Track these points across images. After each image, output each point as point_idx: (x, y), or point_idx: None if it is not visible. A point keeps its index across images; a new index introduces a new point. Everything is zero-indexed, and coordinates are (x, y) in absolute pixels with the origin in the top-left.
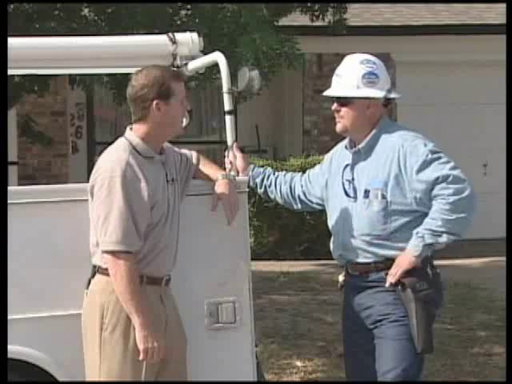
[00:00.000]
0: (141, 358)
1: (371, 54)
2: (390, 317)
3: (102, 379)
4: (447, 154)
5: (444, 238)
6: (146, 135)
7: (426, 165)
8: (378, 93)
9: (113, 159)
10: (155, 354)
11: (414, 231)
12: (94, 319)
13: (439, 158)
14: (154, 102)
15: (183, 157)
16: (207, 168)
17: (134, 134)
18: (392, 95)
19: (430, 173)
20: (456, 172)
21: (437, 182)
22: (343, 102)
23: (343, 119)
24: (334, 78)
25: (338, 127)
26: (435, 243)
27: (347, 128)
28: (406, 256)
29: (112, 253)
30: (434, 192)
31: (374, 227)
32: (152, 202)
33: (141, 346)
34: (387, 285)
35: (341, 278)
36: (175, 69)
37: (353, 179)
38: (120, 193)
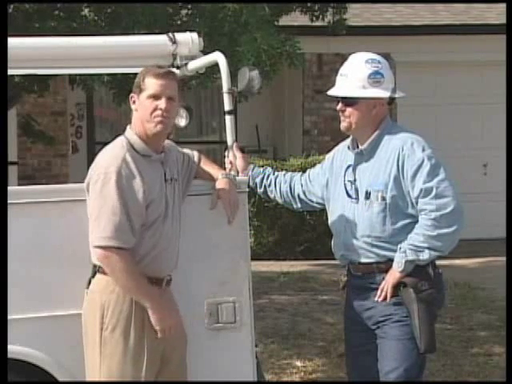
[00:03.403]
0: (159, 336)
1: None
2: (392, 317)
3: (102, 379)
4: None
5: (426, 255)
6: (139, 130)
7: (418, 172)
8: (383, 93)
9: (109, 156)
10: (172, 330)
11: (398, 246)
12: (95, 319)
13: (432, 166)
14: (130, 96)
15: (185, 156)
16: (208, 168)
17: (131, 131)
18: (397, 95)
19: (418, 183)
20: (442, 186)
21: (420, 195)
22: (349, 102)
23: (348, 119)
24: (339, 78)
25: (343, 126)
26: (417, 260)
27: (352, 127)
28: (392, 271)
29: (103, 248)
30: (419, 206)
31: (374, 228)
32: (147, 200)
33: (157, 328)
34: (380, 300)
35: (342, 277)
36: (174, 69)
37: (355, 180)
38: (114, 189)
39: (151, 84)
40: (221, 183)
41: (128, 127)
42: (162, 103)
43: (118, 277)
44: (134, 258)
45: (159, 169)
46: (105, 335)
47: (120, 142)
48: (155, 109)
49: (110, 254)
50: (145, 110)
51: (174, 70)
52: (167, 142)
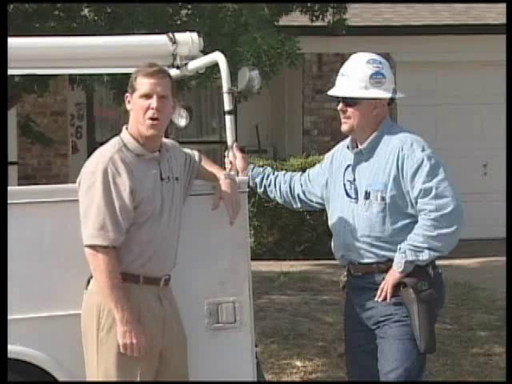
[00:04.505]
0: (121, 351)
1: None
2: (392, 317)
3: (100, 379)
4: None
5: (426, 255)
6: (134, 131)
7: (418, 172)
8: (385, 93)
9: (98, 156)
10: (134, 350)
11: (398, 246)
12: (92, 319)
13: (432, 166)
14: (125, 96)
15: (187, 156)
16: (209, 168)
17: (127, 132)
18: (397, 95)
19: (417, 183)
20: (442, 186)
21: (419, 195)
22: (350, 102)
23: (350, 120)
24: (340, 78)
25: (345, 128)
26: (416, 260)
27: (353, 128)
28: (392, 271)
29: (91, 247)
30: (419, 206)
31: (373, 229)
32: (138, 199)
33: (120, 341)
34: (380, 300)
35: (342, 278)
36: (175, 68)
37: (354, 180)
38: (99, 188)
39: (142, 83)
40: (223, 184)
41: (124, 128)
42: (153, 102)
43: (97, 277)
44: (121, 259)
45: (154, 168)
46: (101, 336)
47: (113, 142)
48: (147, 108)
49: (95, 252)
50: (138, 109)
51: (174, 69)
52: (170, 141)
